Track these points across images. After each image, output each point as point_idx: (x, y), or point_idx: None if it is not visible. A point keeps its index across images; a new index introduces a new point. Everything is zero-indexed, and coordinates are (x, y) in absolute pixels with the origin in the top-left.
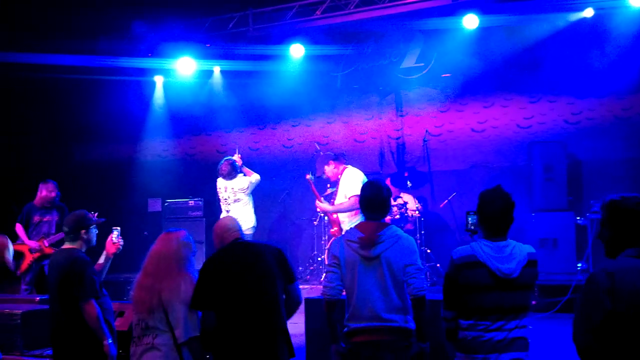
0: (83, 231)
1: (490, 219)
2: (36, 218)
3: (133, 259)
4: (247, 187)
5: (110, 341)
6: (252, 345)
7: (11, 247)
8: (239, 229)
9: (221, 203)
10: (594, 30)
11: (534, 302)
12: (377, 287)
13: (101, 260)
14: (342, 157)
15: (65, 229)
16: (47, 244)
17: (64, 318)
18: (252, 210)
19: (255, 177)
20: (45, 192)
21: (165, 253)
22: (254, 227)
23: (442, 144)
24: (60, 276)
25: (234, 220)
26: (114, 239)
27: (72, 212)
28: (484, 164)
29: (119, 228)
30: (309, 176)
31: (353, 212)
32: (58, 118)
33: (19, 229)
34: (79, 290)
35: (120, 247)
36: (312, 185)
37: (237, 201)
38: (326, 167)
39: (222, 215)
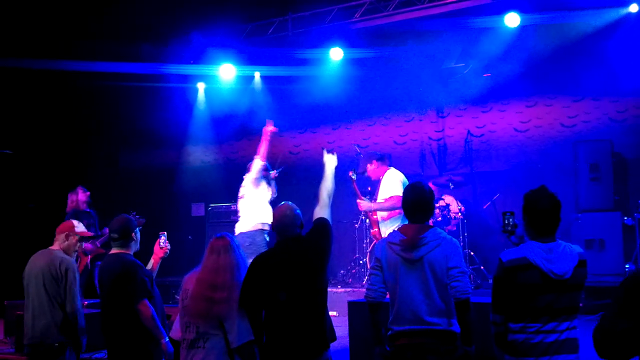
0: (131, 234)
1: (539, 219)
2: (85, 222)
3: (177, 262)
4: (246, 182)
5: (167, 340)
6: (297, 338)
7: (81, 227)
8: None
9: None
10: (637, 27)
11: (580, 305)
12: (420, 290)
13: (149, 265)
14: (386, 158)
15: (115, 235)
16: (99, 245)
17: (118, 321)
18: (255, 208)
19: (253, 166)
20: (84, 195)
21: (220, 265)
22: (259, 230)
23: (484, 145)
24: (113, 280)
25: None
26: (161, 243)
27: (117, 218)
28: (528, 164)
29: (165, 233)
30: (351, 173)
31: (392, 213)
32: (103, 124)
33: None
34: (133, 292)
35: (168, 252)
36: (354, 183)
37: (240, 198)
38: (369, 165)
39: None
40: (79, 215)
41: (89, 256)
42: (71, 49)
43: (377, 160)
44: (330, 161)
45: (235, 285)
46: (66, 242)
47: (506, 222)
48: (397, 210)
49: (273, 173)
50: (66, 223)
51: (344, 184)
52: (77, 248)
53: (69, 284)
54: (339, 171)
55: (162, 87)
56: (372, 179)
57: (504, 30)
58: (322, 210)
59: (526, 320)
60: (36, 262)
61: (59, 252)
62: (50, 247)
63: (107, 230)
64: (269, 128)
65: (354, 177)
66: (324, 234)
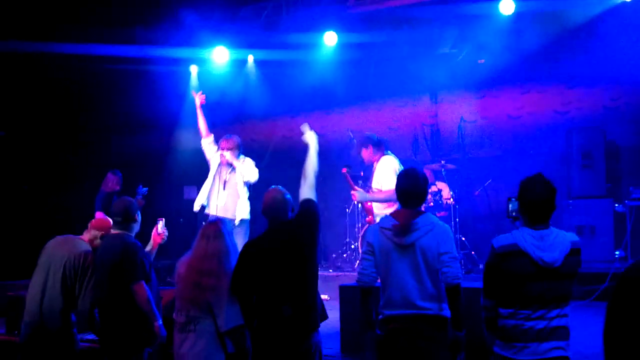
0: (134, 216)
1: (532, 206)
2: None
3: (169, 245)
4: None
5: (160, 322)
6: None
7: None
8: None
9: None
10: (633, 15)
11: None
12: (411, 275)
13: (148, 247)
14: (382, 144)
15: (118, 218)
16: None
17: (114, 301)
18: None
19: (205, 150)
20: (111, 180)
21: (206, 252)
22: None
23: (477, 131)
24: (113, 259)
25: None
26: (159, 229)
27: (119, 200)
28: (521, 151)
29: (163, 219)
30: (345, 170)
31: (389, 205)
32: (96, 107)
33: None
34: (131, 273)
35: (165, 238)
36: (348, 177)
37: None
38: (364, 149)
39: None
40: (109, 199)
41: None
42: (62, 32)
43: (373, 145)
44: (311, 139)
45: (223, 272)
46: (98, 242)
47: (511, 208)
48: (392, 202)
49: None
50: (105, 221)
51: (337, 169)
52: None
53: (87, 280)
54: (332, 155)
55: (154, 69)
56: (365, 162)
57: (498, 17)
58: (308, 190)
59: (516, 307)
60: (62, 247)
61: (85, 245)
62: (79, 237)
63: None
64: (198, 100)
65: (348, 172)
66: (312, 216)
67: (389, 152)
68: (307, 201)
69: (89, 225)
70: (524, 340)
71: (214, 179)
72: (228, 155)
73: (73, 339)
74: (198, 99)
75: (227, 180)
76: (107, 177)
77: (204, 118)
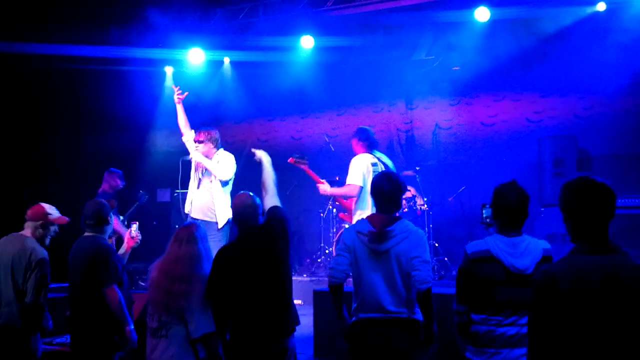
0: (106, 218)
1: (506, 213)
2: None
3: (142, 248)
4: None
5: (132, 327)
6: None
7: (56, 212)
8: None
9: None
10: (606, 25)
11: None
12: (385, 281)
13: (120, 252)
14: (368, 142)
15: (90, 222)
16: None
17: (85, 304)
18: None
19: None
20: (119, 181)
21: (179, 256)
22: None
23: (452, 138)
24: (85, 262)
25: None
26: (132, 232)
27: (91, 202)
28: (494, 158)
29: (137, 222)
30: (292, 160)
31: (349, 202)
32: (69, 108)
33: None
34: (103, 276)
35: (139, 241)
36: (305, 168)
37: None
38: (353, 141)
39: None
40: (106, 198)
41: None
42: (35, 31)
43: (359, 139)
44: (262, 155)
45: (195, 277)
46: (41, 231)
47: (484, 214)
48: (353, 199)
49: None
50: (38, 209)
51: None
52: (53, 233)
53: (35, 277)
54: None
55: (129, 70)
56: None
57: (474, 25)
58: (271, 199)
59: (488, 313)
60: (6, 248)
61: (31, 241)
62: (21, 233)
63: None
64: (177, 96)
65: (298, 161)
66: (281, 220)
67: (376, 152)
68: (273, 208)
69: (25, 218)
70: (496, 346)
71: (192, 176)
72: (200, 148)
73: (31, 343)
74: (177, 95)
75: (200, 178)
76: (104, 177)
77: (184, 114)
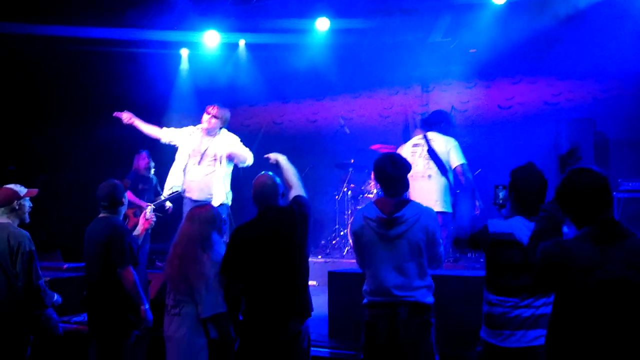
0: (121, 200)
1: (527, 197)
2: (140, 186)
3: (157, 229)
4: None
5: (147, 307)
6: (275, 308)
7: (22, 188)
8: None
9: None
10: (624, 8)
11: None
12: (394, 265)
13: (135, 232)
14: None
15: (104, 203)
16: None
17: (101, 284)
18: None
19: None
20: (144, 161)
21: (190, 235)
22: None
23: (468, 120)
24: (101, 243)
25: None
26: (147, 215)
27: (105, 184)
28: (511, 141)
29: (152, 205)
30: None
31: None
32: (84, 91)
33: (130, 195)
34: (119, 256)
35: (153, 223)
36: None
37: None
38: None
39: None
40: (137, 179)
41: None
42: (44, 14)
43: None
44: (277, 157)
45: (204, 258)
46: (17, 212)
47: (500, 195)
48: None
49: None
50: (5, 192)
51: (327, 156)
52: (29, 209)
53: (22, 260)
54: (323, 142)
55: (142, 53)
56: None
57: (490, 7)
58: (296, 191)
59: (505, 295)
60: None
61: (6, 225)
62: None
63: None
64: (126, 121)
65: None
66: (303, 207)
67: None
68: (297, 196)
69: None
70: (511, 328)
71: (188, 156)
72: (213, 122)
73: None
74: (125, 120)
75: (204, 153)
76: (142, 156)
77: (145, 124)
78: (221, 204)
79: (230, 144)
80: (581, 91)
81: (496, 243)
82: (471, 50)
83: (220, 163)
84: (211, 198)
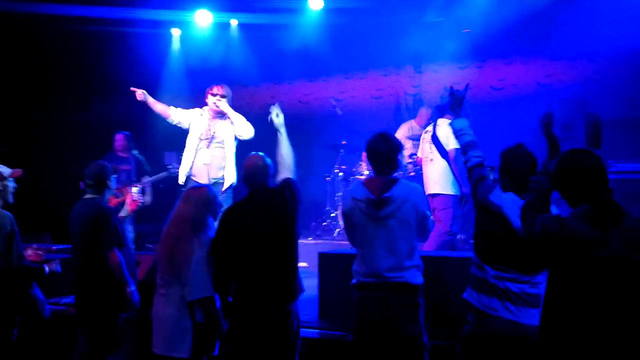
0: (106, 182)
1: (517, 176)
2: (119, 166)
3: (149, 211)
4: None
5: (133, 288)
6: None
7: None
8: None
9: None
10: None
11: None
12: (384, 245)
13: (121, 214)
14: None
15: (90, 182)
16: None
17: (88, 266)
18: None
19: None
20: (118, 143)
21: (184, 216)
22: None
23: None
24: (86, 224)
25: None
26: (135, 197)
27: (92, 164)
28: (503, 122)
29: (139, 186)
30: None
31: None
32: (73, 70)
33: None
34: (104, 238)
35: (141, 204)
36: None
37: None
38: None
39: None
40: (113, 159)
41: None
42: None
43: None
44: (276, 115)
45: (195, 239)
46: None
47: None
48: None
49: None
50: None
51: (320, 136)
52: (12, 190)
53: (2, 240)
54: (315, 123)
55: (133, 32)
56: None
57: None
58: (286, 173)
59: (492, 265)
60: None
61: None
62: None
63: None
64: (139, 97)
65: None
66: (293, 188)
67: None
68: (287, 178)
69: None
70: (500, 298)
71: (199, 139)
72: (223, 103)
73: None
74: (138, 96)
75: (214, 135)
76: (115, 137)
77: (158, 103)
78: (231, 185)
79: (239, 119)
80: (574, 72)
81: (484, 208)
82: (464, 31)
83: (229, 145)
84: (222, 180)
